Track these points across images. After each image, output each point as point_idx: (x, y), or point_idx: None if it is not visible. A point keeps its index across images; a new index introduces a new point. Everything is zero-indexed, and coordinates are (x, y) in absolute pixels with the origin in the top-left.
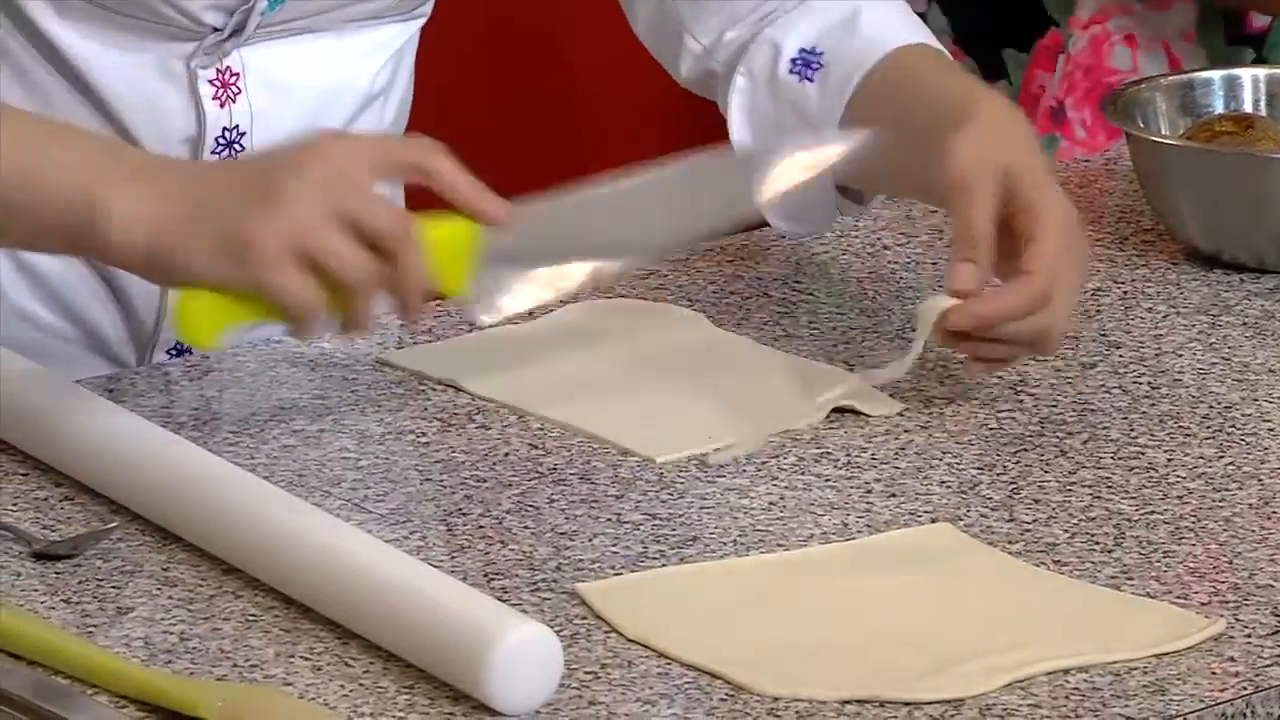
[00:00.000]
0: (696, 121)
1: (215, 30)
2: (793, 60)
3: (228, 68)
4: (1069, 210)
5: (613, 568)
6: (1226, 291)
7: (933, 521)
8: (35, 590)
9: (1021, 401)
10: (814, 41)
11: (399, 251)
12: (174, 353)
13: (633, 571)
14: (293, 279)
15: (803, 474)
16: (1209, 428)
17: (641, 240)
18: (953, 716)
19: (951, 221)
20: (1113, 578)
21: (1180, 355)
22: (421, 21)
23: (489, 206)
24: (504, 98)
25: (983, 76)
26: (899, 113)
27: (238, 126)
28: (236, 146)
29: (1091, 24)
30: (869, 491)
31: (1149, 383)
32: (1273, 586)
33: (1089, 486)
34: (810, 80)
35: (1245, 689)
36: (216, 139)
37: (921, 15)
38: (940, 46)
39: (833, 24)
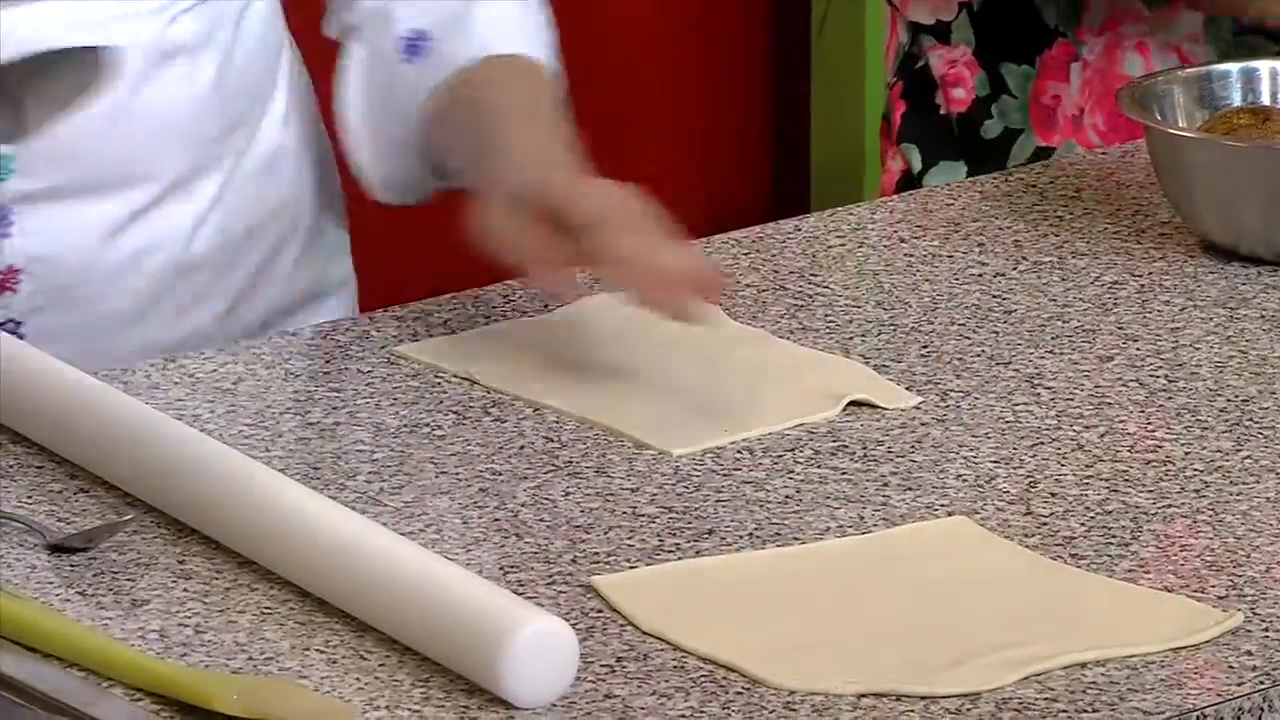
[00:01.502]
0: (708, 113)
1: None
2: (402, 39)
3: None
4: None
5: (628, 561)
6: (1244, 284)
7: (949, 515)
8: (50, 583)
9: (1038, 395)
10: (427, 25)
11: None
12: None
13: (648, 565)
14: None
15: (819, 467)
16: (1226, 421)
17: None
18: (969, 710)
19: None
20: (1130, 571)
21: (1197, 348)
22: None
23: None
24: None
25: (993, 89)
26: (460, 120)
27: None
28: None
29: (1105, 30)
30: (885, 485)
31: (1166, 376)
32: None
33: (1106, 480)
34: (411, 62)
35: (1263, 683)
36: None
37: (949, 24)
38: (543, 56)
39: (447, 11)
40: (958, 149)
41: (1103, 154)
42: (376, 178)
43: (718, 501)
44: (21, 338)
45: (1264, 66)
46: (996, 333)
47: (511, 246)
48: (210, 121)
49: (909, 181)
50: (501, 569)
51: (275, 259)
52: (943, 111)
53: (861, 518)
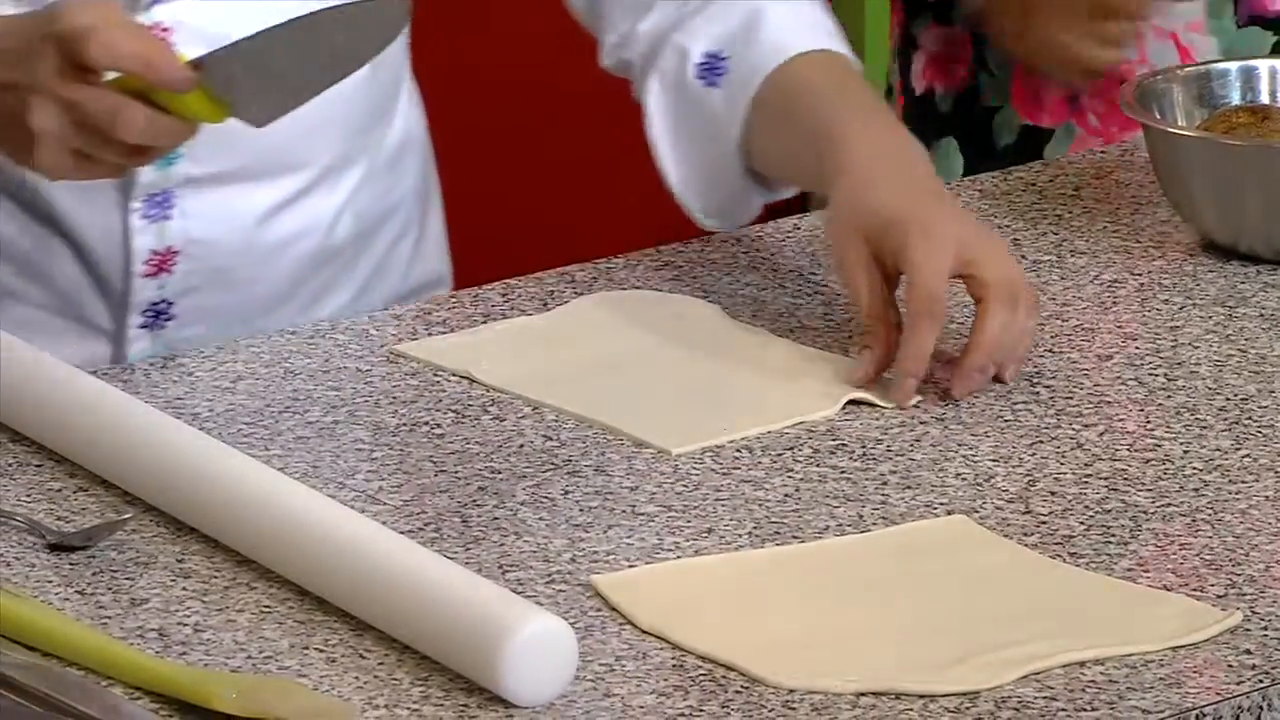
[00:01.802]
0: None
1: None
2: (698, 65)
3: (157, 24)
4: (949, 244)
5: (627, 560)
6: (1243, 283)
7: (948, 514)
8: (50, 581)
9: (1037, 393)
10: (719, 46)
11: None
12: (149, 314)
13: (647, 563)
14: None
15: (818, 466)
16: (1225, 419)
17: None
18: (968, 709)
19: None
20: (1129, 570)
21: (1197, 347)
22: None
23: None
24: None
25: (979, 66)
26: (787, 123)
27: None
28: None
29: None
30: (885, 483)
31: (1165, 375)
32: None
33: (1105, 479)
34: (716, 85)
35: (1262, 681)
36: None
37: (951, 4)
38: (841, 48)
39: (735, 28)
40: (952, 127)
41: (1102, 153)
42: (700, 206)
43: (717, 500)
44: (171, 318)
45: (1263, 65)
46: None
47: (852, 286)
48: (359, 112)
49: None
50: (500, 567)
51: (395, 250)
52: (924, 92)
53: (860, 516)
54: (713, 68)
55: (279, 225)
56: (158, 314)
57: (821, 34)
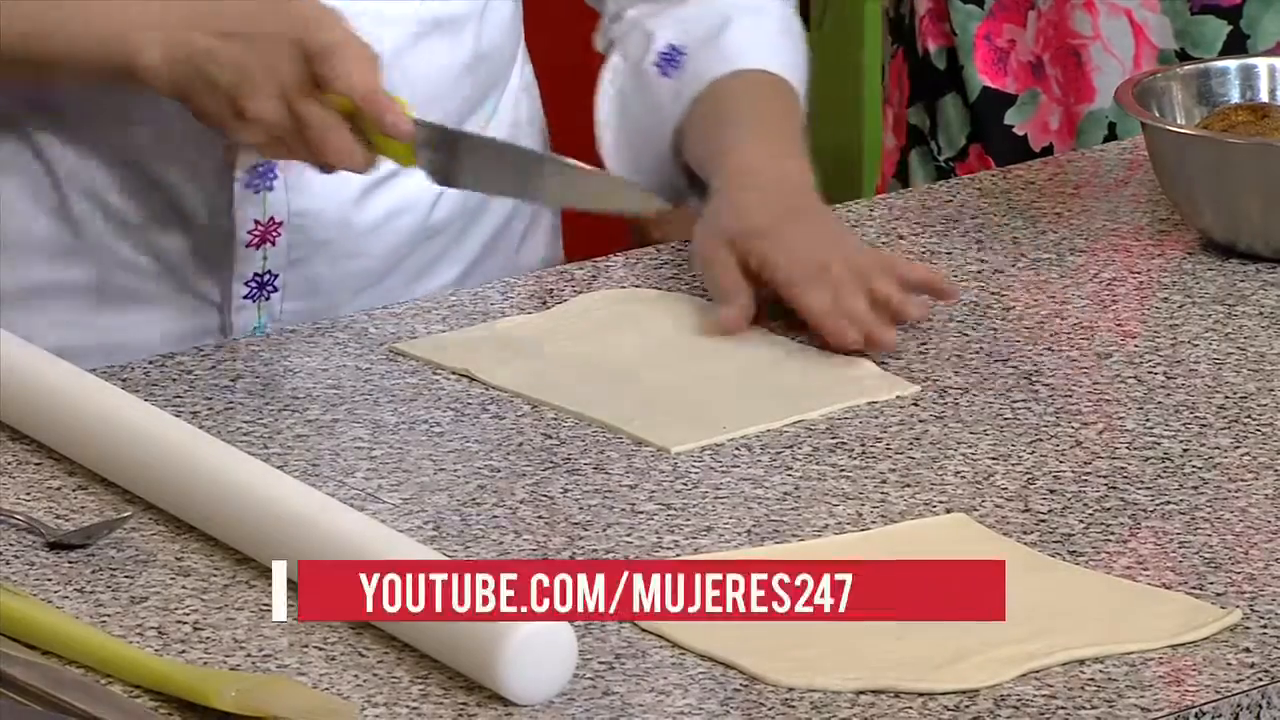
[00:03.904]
0: None
1: None
2: (659, 53)
3: None
4: (801, 243)
5: (626, 557)
6: (1242, 281)
7: (948, 512)
8: (49, 580)
9: (1037, 391)
10: (682, 41)
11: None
12: (253, 284)
13: None
14: None
15: (817, 464)
16: (1225, 418)
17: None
18: (967, 707)
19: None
20: (1128, 568)
21: (1196, 345)
22: None
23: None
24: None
25: (951, 31)
26: (703, 130)
27: None
28: None
29: None
30: (884, 482)
31: (1164, 373)
32: None
33: (1104, 477)
34: (668, 76)
35: (1261, 680)
36: None
37: None
38: (790, 75)
39: (703, 28)
40: (952, 84)
41: (1101, 151)
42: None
43: (716, 498)
44: (275, 290)
45: (1262, 63)
46: (995, 329)
47: (714, 282)
48: (460, 94)
49: (904, 165)
50: None
51: (504, 232)
52: (923, 53)
53: (860, 515)
54: (671, 59)
55: (379, 201)
56: (261, 285)
57: (776, 56)
